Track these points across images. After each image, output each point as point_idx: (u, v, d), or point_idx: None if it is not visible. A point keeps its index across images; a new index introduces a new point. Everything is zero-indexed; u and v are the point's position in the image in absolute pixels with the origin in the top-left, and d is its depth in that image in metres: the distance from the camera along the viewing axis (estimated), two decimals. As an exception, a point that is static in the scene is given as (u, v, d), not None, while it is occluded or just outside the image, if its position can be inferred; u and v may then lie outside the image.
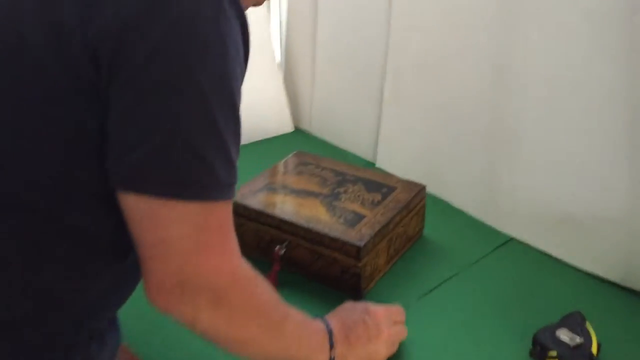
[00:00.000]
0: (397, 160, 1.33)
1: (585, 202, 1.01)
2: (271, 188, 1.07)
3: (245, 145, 1.47)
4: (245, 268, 0.65)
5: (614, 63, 0.92)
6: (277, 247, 0.98)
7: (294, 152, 1.20)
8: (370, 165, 1.38)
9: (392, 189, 1.06)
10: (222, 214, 0.61)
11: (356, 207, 1.01)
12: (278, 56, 1.58)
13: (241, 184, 1.07)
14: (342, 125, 1.45)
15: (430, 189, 1.24)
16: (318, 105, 1.51)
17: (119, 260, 0.66)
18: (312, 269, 0.98)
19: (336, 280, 0.96)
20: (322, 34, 1.44)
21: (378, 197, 1.04)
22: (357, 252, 0.92)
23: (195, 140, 0.57)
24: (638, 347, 0.86)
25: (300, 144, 1.49)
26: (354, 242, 0.92)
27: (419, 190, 1.07)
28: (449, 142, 1.21)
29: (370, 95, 1.36)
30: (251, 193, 1.05)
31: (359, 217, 0.98)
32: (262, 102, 1.48)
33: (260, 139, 1.49)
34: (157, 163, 0.56)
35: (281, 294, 0.70)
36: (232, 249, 0.63)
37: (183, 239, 0.58)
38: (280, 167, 1.15)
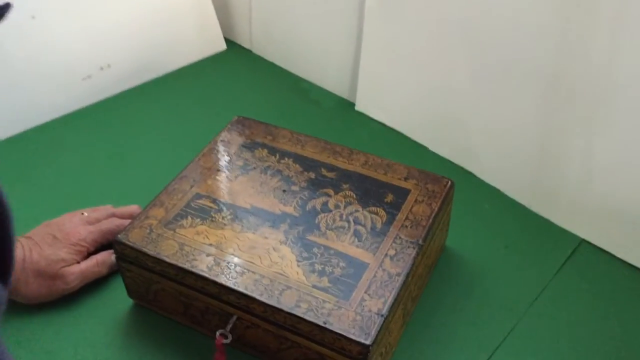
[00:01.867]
0: (388, 101, 0.87)
1: None
2: (197, 210, 0.62)
3: (155, 80, 0.99)
4: None
5: None
6: (219, 334, 0.57)
7: (232, 119, 0.74)
8: (349, 106, 0.92)
9: (402, 194, 0.63)
10: None
11: (347, 244, 0.59)
12: None
13: (149, 196, 0.62)
14: (300, 45, 0.96)
15: (444, 153, 0.82)
16: (260, 11, 0.99)
17: None
18: (281, 358, 0.58)
19: (323, 378, 0.57)
20: None
21: (381, 215, 0.61)
22: (362, 353, 0.52)
23: None
24: None
25: (238, 72, 1.00)
26: (353, 337, 0.51)
27: (446, 193, 0.64)
28: (476, 79, 0.76)
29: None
30: (163, 224, 0.60)
31: (357, 269, 0.56)
32: (176, 8, 0.96)
33: (177, 66, 0.99)
34: None
35: None
36: None
37: None
38: (211, 156, 0.69)
